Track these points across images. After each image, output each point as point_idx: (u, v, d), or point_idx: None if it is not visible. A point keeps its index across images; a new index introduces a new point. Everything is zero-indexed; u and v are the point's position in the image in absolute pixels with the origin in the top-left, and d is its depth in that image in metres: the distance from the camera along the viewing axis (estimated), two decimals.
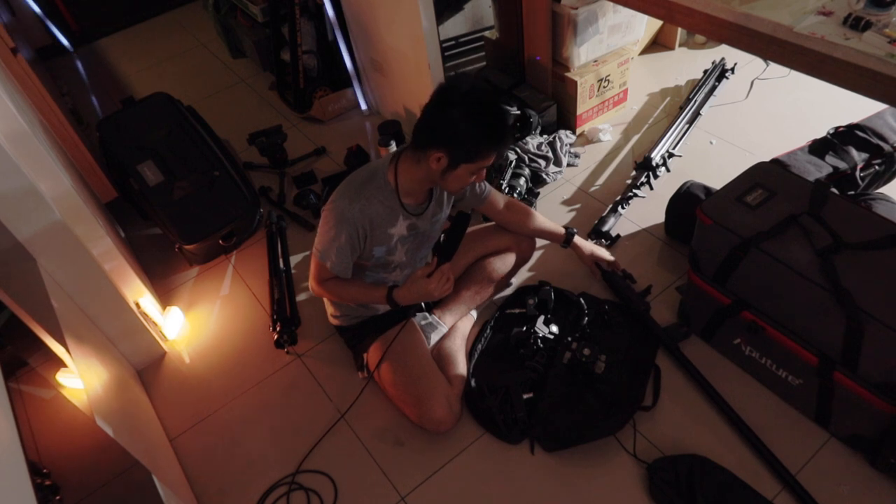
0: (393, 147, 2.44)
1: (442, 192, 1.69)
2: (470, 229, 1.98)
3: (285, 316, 2.01)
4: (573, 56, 2.44)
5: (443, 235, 1.75)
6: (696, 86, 2.72)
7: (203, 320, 2.17)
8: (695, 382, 1.74)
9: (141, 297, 1.97)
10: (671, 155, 2.44)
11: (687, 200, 2.03)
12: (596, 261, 1.98)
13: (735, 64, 2.83)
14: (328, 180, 2.59)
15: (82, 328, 1.67)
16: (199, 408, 1.91)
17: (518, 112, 2.46)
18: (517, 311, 1.97)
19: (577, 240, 1.95)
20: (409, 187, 1.58)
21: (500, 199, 1.88)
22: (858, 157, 2.00)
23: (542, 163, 2.41)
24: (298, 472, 1.71)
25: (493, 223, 1.96)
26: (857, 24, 1.31)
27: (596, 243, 2.17)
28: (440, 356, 1.83)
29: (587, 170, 2.50)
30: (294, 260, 2.29)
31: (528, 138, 2.44)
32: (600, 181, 2.44)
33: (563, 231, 1.93)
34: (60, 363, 1.35)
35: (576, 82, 2.44)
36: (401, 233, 1.63)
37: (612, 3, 2.22)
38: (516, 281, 2.09)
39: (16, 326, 1.27)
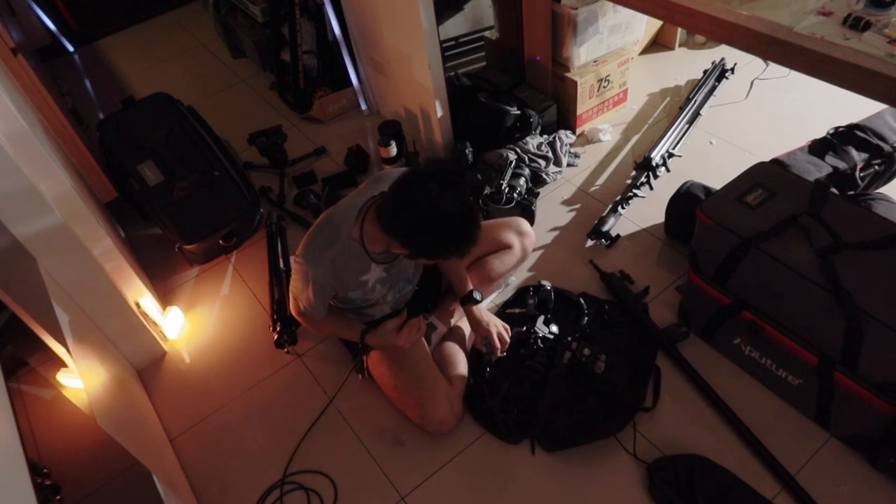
0: (393, 148, 2.44)
1: None
2: None
3: (285, 316, 2.01)
4: (573, 56, 2.44)
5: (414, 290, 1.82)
6: (695, 86, 2.72)
7: (203, 320, 2.17)
8: (694, 383, 1.74)
9: (141, 296, 1.97)
10: (671, 155, 2.44)
11: (687, 200, 2.03)
12: (480, 331, 1.77)
13: (735, 64, 2.83)
14: (328, 180, 2.59)
15: (82, 328, 1.67)
16: (199, 408, 1.91)
17: (518, 112, 2.46)
18: (517, 310, 1.97)
19: (474, 308, 1.77)
20: (376, 240, 1.53)
21: None
22: (858, 157, 2.00)
23: (542, 163, 2.41)
24: (298, 473, 1.71)
25: (492, 221, 1.96)
26: (856, 24, 1.31)
27: (596, 243, 2.18)
28: (441, 357, 1.82)
29: (587, 170, 2.50)
30: None
31: (528, 138, 2.45)
32: (600, 181, 2.44)
33: (467, 290, 1.79)
34: (60, 363, 1.35)
35: (576, 82, 2.44)
36: (377, 276, 1.61)
37: (612, 3, 2.22)
38: (516, 281, 2.09)
39: (16, 326, 1.27)
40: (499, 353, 1.79)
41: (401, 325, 1.64)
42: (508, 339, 1.79)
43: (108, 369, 1.66)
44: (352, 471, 1.70)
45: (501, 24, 2.68)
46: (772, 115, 2.60)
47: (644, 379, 1.75)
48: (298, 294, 1.59)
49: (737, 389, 1.72)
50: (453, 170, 1.39)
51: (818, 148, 2.05)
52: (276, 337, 1.97)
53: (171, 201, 2.26)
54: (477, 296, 1.78)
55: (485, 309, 1.82)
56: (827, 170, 1.98)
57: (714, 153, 2.48)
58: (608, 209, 2.25)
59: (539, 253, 2.18)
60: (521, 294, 2.03)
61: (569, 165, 2.51)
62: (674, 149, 2.45)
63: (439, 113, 2.43)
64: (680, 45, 3.06)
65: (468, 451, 1.70)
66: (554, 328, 1.84)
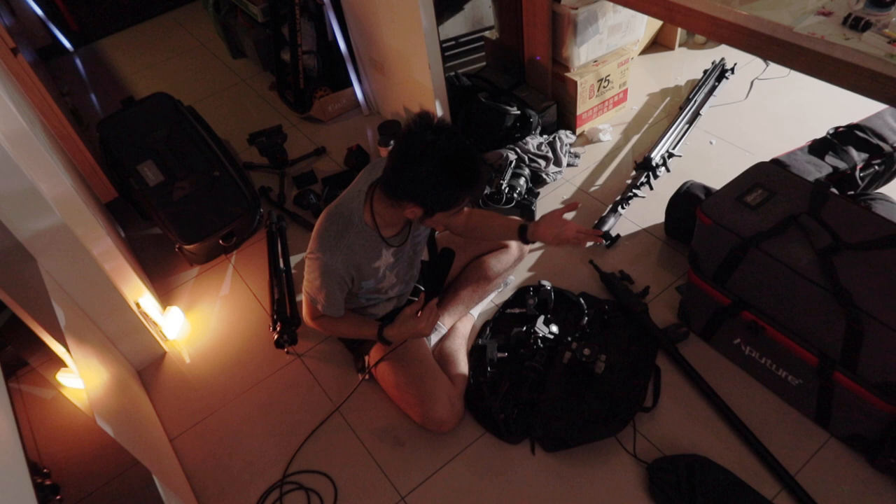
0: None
1: None
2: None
3: (285, 316, 2.01)
4: (573, 56, 2.44)
5: (428, 269, 1.80)
6: (696, 86, 2.72)
7: (203, 320, 2.17)
8: (694, 383, 1.74)
9: (141, 296, 1.97)
10: (671, 155, 2.44)
11: (687, 200, 2.04)
12: (562, 232, 1.66)
13: (735, 64, 2.83)
14: (328, 180, 2.59)
15: (82, 328, 1.67)
16: (199, 408, 1.91)
17: (518, 112, 2.46)
18: (517, 311, 1.97)
19: (532, 225, 1.70)
20: (388, 222, 1.55)
21: (464, 212, 1.78)
22: (858, 157, 2.00)
23: (542, 163, 2.41)
24: (298, 472, 1.71)
25: None
26: (856, 24, 1.31)
27: (596, 243, 2.17)
28: (441, 356, 1.83)
29: (587, 170, 2.50)
30: (294, 260, 2.29)
31: (528, 138, 2.45)
32: (600, 181, 2.44)
33: (517, 224, 1.72)
34: (60, 363, 1.35)
35: (576, 82, 2.44)
36: (387, 262, 1.62)
37: (612, 3, 2.22)
38: (516, 281, 2.09)
39: (16, 326, 1.27)
40: (588, 243, 1.70)
41: (419, 311, 1.59)
42: (582, 229, 1.66)
43: (108, 369, 1.66)
44: (352, 471, 1.70)
45: (501, 24, 2.68)
46: (772, 115, 2.60)
47: (644, 379, 1.75)
48: (315, 293, 1.57)
49: (737, 389, 1.72)
50: (441, 118, 1.39)
51: (818, 148, 2.05)
52: (276, 337, 1.97)
53: (171, 201, 2.26)
54: (525, 223, 1.72)
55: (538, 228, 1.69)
56: (827, 170, 1.98)
57: (714, 153, 2.48)
58: (608, 209, 2.25)
59: (539, 253, 2.18)
60: (521, 294, 2.03)
61: (569, 165, 2.51)
62: (674, 149, 2.45)
63: (439, 113, 2.43)
64: (680, 45, 3.06)
65: (468, 451, 1.70)
66: (554, 328, 1.84)
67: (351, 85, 2.91)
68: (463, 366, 1.81)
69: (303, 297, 1.64)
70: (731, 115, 2.63)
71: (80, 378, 1.34)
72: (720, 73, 2.77)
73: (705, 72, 2.79)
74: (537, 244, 2.18)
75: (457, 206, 1.43)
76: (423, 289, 1.89)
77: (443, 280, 1.71)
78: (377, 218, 1.53)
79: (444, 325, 1.89)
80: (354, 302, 1.71)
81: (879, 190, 2.09)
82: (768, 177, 1.71)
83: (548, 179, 2.42)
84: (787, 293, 1.52)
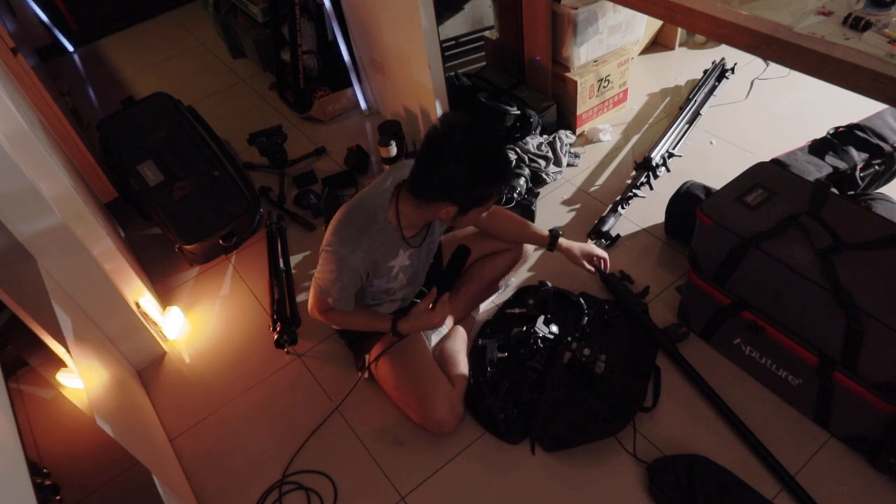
0: (393, 148, 2.44)
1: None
2: (465, 231, 1.98)
3: (285, 316, 2.01)
4: (573, 56, 2.44)
5: (443, 265, 1.82)
6: (696, 86, 2.72)
7: (203, 320, 2.17)
8: (694, 383, 1.74)
9: (141, 296, 1.97)
10: (671, 155, 2.44)
11: (687, 200, 2.04)
12: (587, 258, 1.85)
13: (735, 64, 2.83)
14: (328, 180, 2.59)
15: (82, 328, 1.67)
16: (199, 408, 1.91)
17: (518, 112, 2.46)
18: (517, 311, 1.97)
19: (563, 241, 1.84)
20: (410, 223, 1.57)
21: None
22: (858, 157, 2.00)
23: (542, 163, 2.41)
24: (298, 472, 1.71)
25: None
26: (856, 24, 1.31)
27: (596, 243, 2.17)
28: (441, 357, 1.82)
29: (587, 170, 2.50)
30: (294, 260, 2.29)
31: (528, 138, 2.44)
32: (600, 181, 2.44)
33: (546, 234, 1.84)
34: (60, 363, 1.35)
35: (576, 82, 2.44)
36: (402, 263, 1.64)
37: (612, 3, 2.22)
38: (516, 281, 2.09)
39: (16, 326, 1.27)
40: (607, 270, 1.89)
41: (432, 305, 1.62)
42: (603, 254, 1.86)
43: (108, 369, 1.66)
44: (352, 471, 1.70)
45: (501, 24, 2.68)
46: (772, 115, 2.60)
47: (644, 379, 1.75)
48: (328, 286, 1.57)
49: (737, 389, 1.72)
50: (465, 116, 1.43)
51: (818, 148, 2.05)
52: (276, 337, 1.97)
53: (171, 201, 2.26)
54: (558, 231, 1.85)
55: (570, 242, 1.86)
56: (827, 170, 1.98)
57: (714, 153, 2.48)
58: (608, 209, 2.25)
59: (539, 253, 2.18)
60: (521, 294, 2.03)
61: (569, 165, 2.51)
62: (674, 149, 2.45)
63: (439, 113, 2.43)
64: (680, 45, 3.06)
65: (468, 451, 1.70)
66: (554, 328, 1.84)
67: (351, 85, 2.91)
68: (463, 367, 1.81)
69: (311, 289, 1.64)
70: (731, 115, 2.63)
71: (80, 378, 1.34)
72: (720, 73, 2.77)
73: (705, 72, 2.79)
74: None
75: (490, 200, 1.48)
76: (424, 289, 1.89)
77: (457, 275, 1.76)
78: (402, 218, 1.54)
79: (444, 326, 1.89)
80: (361, 300, 1.71)
81: (879, 190, 2.09)
82: (768, 177, 1.71)
83: (548, 179, 2.42)
84: (788, 293, 1.52)
